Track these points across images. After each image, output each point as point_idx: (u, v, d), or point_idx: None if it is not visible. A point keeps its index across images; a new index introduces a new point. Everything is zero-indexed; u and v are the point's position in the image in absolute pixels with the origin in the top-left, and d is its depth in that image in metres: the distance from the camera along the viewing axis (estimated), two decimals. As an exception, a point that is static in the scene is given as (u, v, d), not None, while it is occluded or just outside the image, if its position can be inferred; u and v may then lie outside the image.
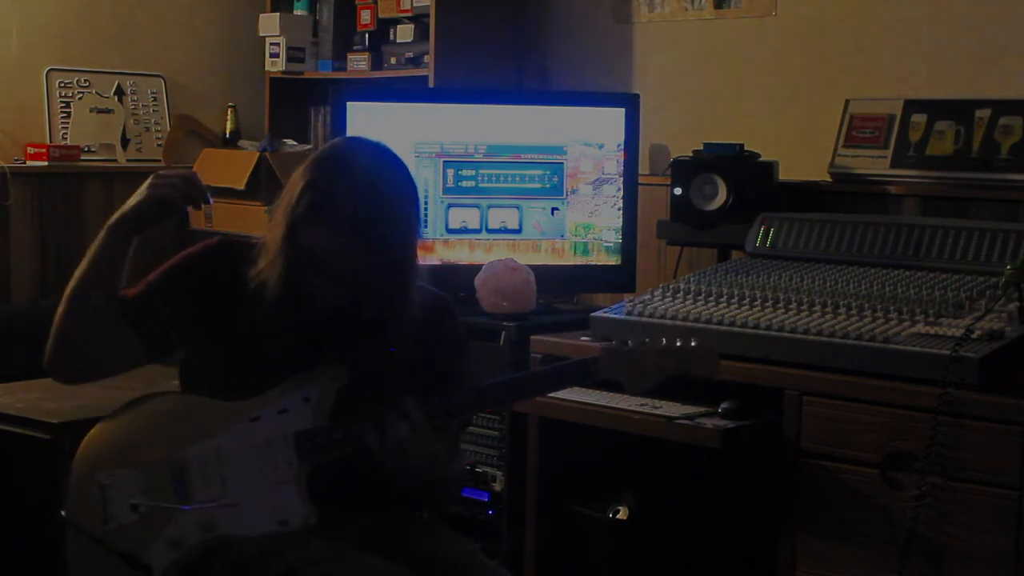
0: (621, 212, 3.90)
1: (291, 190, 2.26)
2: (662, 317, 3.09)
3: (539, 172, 3.90)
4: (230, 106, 4.97)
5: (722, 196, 3.64)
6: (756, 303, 3.09)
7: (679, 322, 3.05)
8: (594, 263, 3.92)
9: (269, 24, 4.85)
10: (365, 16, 4.67)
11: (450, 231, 3.85)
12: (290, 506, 2.25)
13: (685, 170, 3.72)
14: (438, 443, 2.27)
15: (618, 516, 3.30)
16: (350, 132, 3.66)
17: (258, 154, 4.62)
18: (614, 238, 3.91)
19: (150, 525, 2.28)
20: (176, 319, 2.33)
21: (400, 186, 2.30)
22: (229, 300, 2.31)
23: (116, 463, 2.31)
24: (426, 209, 3.77)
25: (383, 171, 2.28)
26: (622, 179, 3.90)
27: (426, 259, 2.46)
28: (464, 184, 3.87)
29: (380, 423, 2.24)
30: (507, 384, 2.38)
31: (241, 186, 4.59)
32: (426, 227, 2.45)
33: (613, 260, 3.91)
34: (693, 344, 2.31)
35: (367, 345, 2.31)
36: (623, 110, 3.91)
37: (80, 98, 4.68)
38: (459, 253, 3.85)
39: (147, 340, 2.34)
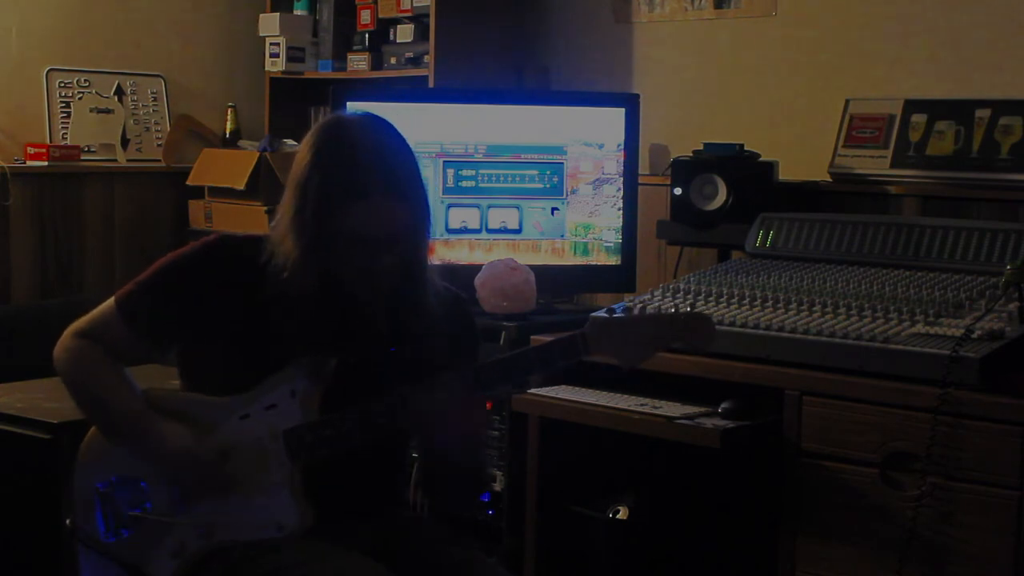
0: (621, 212, 3.90)
1: (303, 188, 2.19)
2: (662, 317, 3.09)
3: (539, 172, 3.90)
4: (230, 106, 4.97)
5: (722, 196, 3.64)
6: (756, 303, 3.09)
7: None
8: (594, 263, 3.92)
9: (269, 24, 4.85)
10: (365, 16, 4.67)
11: (450, 231, 3.85)
12: (285, 510, 2.24)
13: (685, 170, 3.72)
14: (474, 422, 2.24)
15: (618, 516, 3.29)
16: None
17: (258, 154, 4.63)
18: (614, 238, 3.91)
19: (150, 535, 2.28)
20: (175, 315, 2.30)
21: (403, 140, 2.27)
22: (234, 296, 2.27)
23: (114, 468, 2.31)
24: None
25: (383, 130, 2.26)
26: (622, 179, 3.90)
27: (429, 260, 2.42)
28: (464, 184, 3.87)
29: (399, 404, 2.19)
30: (491, 367, 2.27)
31: (241, 186, 4.60)
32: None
33: (613, 260, 3.91)
34: (689, 311, 2.24)
35: (381, 334, 2.28)
36: (623, 110, 3.91)
37: (80, 98, 4.69)
38: (459, 253, 3.85)
39: (147, 338, 2.33)
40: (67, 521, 2.36)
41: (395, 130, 2.27)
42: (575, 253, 3.92)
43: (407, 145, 2.27)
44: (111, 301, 2.34)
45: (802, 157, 3.81)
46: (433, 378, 2.20)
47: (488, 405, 3.50)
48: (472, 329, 2.45)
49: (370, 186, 2.16)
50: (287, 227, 2.21)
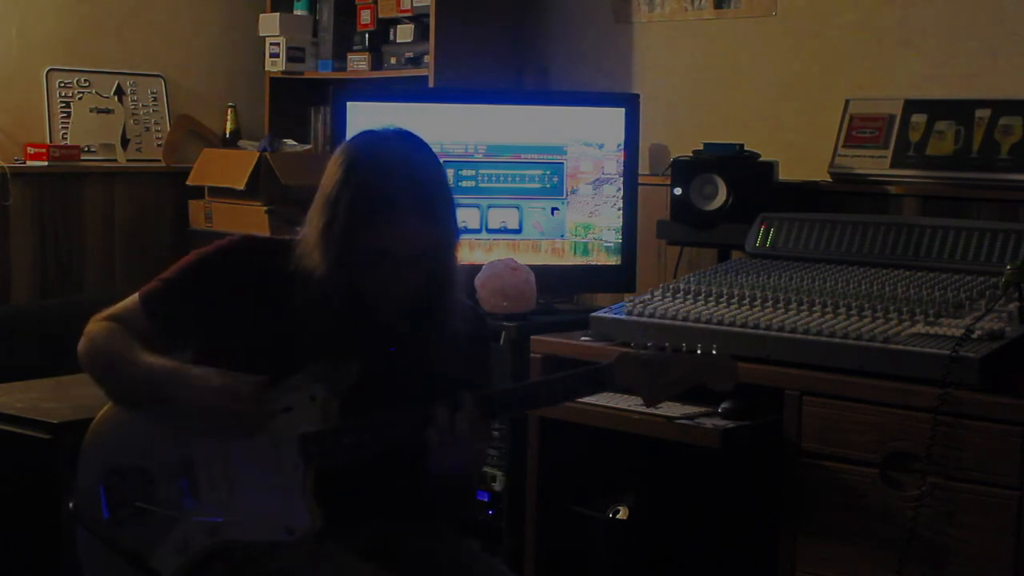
0: (621, 212, 3.90)
1: (333, 205, 2.18)
2: (662, 317, 3.09)
3: (539, 172, 3.90)
4: (230, 106, 4.97)
5: (722, 196, 3.64)
6: (756, 303, 3.09)
7: (679, 322, 3.05)
8: (594, 263, 3.92)
9: (269, 24, 4.85)
10: (365, 16, 4.67)
11: (450, 231, 3.85)
12: (295, 513, 2.23)
13: (685, 170, 3.72)
14: (481, 445, 2.24)
15: (618, 516, 3.30)
16: (350, 132, 3.66)
17: (258, 154, 4.62)
18: (614, 238, 3.91)
19: (156, 528, 2.27)
20: (194, 315, 2.29)
21: (434, 157, 2.27)
22: (254, 297, 2.27)
23: (122, 456, 2.31)
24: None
25: (414, 148, 2.26)
26: (622, 179, 3.90)
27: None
28: (464, 184, 3.87)
29: (425, 419, 2.18)
30: (514, 392, 2.31)
31: (241, 186, 4.59)
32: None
33: (613, 260, 3.91)
34: (713, 353, 2.26)
35: (402, 345, 2.28)
36: (623, 110, 3.91)
37: (80, 98, 4.68)
38: (459, 253, 3.84)
39: (167, 337, 2.31)
40: (70, 504, 2.35)
41: (425, 146, 2.27)
42: (575, 253, 3.92)
43: (437, 162, 2.27)
44: (135, 297, 2.34)
45: (802, 157, 3.81)
46: (453, 396, 2.20)
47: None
48: (486, 349, 2.44)
49: (398, 207, 2.16)
50: (315, 241, 2.21)
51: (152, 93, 4.87)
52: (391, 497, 2.34)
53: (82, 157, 4.65)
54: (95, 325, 2.34)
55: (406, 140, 2.27)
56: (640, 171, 3.97)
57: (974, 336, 2.71)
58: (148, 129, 4.86)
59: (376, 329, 2.27)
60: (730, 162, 3.66)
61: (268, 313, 2.26)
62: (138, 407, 2.31)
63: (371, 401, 2.24)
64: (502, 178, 3.89)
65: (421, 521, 2.39)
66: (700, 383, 2.27)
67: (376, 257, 2.19)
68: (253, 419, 2.22)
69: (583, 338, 3.24)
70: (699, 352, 2.25)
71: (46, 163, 4.51)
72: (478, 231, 3.88)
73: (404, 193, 2.17)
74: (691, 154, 3.74)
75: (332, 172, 2.22)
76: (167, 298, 2.31)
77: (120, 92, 4.78)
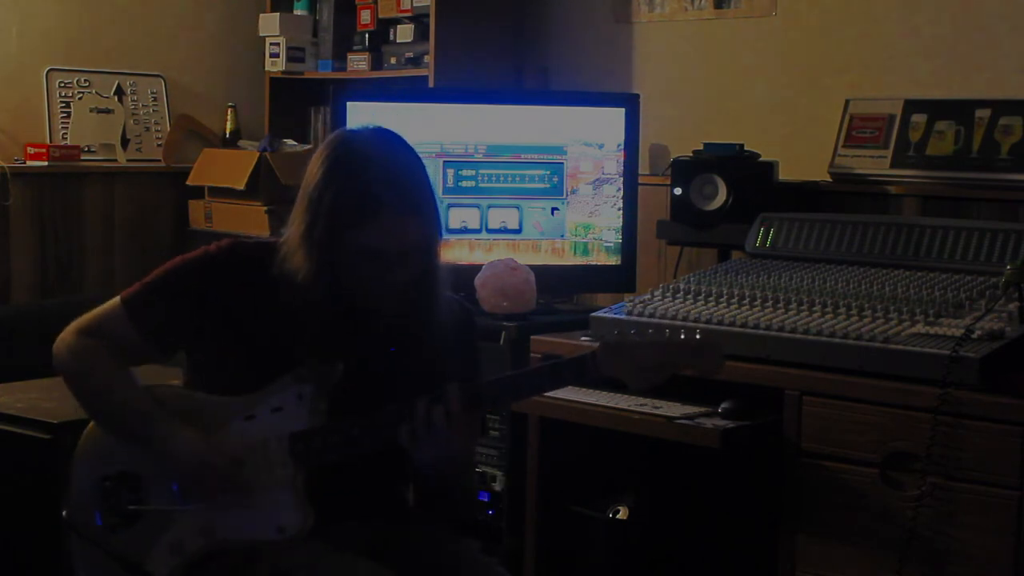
0: (621, 212, 3.90)
1: (314, 205, 2.18)
2: (662, 317, 3.09)
3: (539, 172, 3.90)
4: (230, 106, 4.97)
5: (722, 196, 3.64)
6: (756, 303, 3.09)
7: (680, 322, 3.04)
8: (594, 263, 3.92)
9: (269, 24, 4.85)
10: (365, 16, 4.67)
11: (450, 231, 3.85)
12: (287, 512, 2.23)
13: (685, 170, 3.72)
14: (469, 438, 2.24)
15: (618, 516, 3.30)
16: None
17: (258, 154, 4.63)
18: (614, 238, 3.91)
19: (149, 529, 2.27)
20: (181, 317, 2.28)
21: (413, 153, 2.27)
22: (242, 299, 2.26)
23: (114, 462, 2.30)
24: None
25: (394, 145, 2.26)
26: (622, 179, 3.90)
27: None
28: (464, 184, 3.87)
29: (405, 415, 2.17)
30: (499, 383, 2.28)
31: (241, 186, 4.60)
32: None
33: (613, 260, 3.91)
34: (698, 337, 2.22)
35: (390, 343, 2.28)
36: (623, 110, 3.91)
37: (80, 98, 4.69)
38: (459, 253, 3.85)
39: (153, 340, 2.30)
40: (63, 513, 2.35)
41: (405, 143, 2.27)
42: (575, 253, 3.92)
43: (418, 158, 2.27)
44: (116, 300, 2.32)
45: (802, 157, 3.81)
46: (440, 390, 2.19)
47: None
48: (474, 343, 2.43)
49: (382, 203, 2.16)
50: (299, 241, 2.21)
51: (152, 93, 4.87)
52: (385, 496, 2.34)
53: (82, 157, 4.65)
54: (73, 339, 2.31)
55: (385, 137, 2.26)
56: (640, 171, 3.97)
57: (974, 336, 2.71)
58: (148, 129, 4.86)
59: (367, 328, 2.27)
60: (730, 162, 3.66)
61: (255, 314, 2.26)
62: (113, 433, 2.31)
63: (364, 400, 2.23)
64: (502, 178, 3.89)
65: (416, 520, 2.39)
66: (686, 368, 2.23)
67: (361, 256, 2.18)
68: (225, 490, 2.23)
69: (583, 338, 3.24)
70: (683, 337, 2.23)
71: (46, 163, 4.51)
72: (478, 231, 3.88)
73: (388, 189, 2.16)
74: (691, 154, 3.74)
75: (312, 172, 2.21)
76: (150, 299, 2.29)
77: (120, 92, 4.79)
